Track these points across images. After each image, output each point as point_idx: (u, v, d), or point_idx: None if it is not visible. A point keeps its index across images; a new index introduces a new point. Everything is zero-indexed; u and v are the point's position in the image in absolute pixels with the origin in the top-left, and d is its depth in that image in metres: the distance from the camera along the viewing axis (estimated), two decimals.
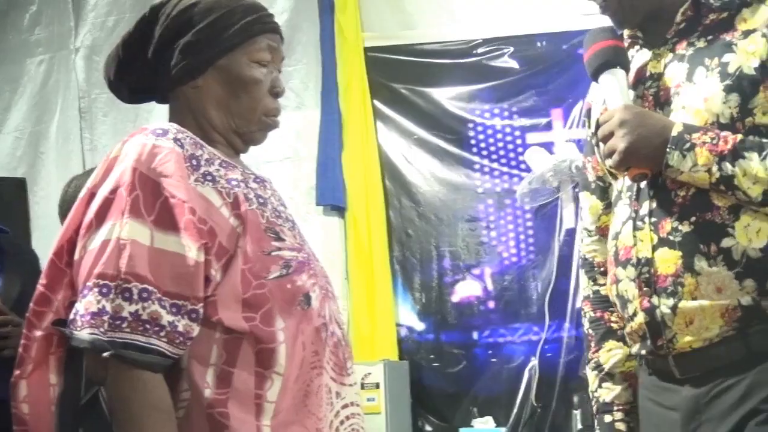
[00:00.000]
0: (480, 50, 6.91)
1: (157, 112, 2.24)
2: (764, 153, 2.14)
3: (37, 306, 2.04)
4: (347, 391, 2.12)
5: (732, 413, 2.19)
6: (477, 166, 6.91)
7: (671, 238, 2.24)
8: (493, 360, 6.89)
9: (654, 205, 2.29)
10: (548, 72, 6.79)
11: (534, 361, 6.77)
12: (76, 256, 1.99)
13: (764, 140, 2.18)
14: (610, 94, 2.34)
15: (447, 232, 6.87)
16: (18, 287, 3.58)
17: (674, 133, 2.21)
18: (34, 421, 2.02)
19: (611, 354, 2.55)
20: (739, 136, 2.17)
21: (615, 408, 2.54)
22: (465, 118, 6.94)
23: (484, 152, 6.90)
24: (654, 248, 2.26)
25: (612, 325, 2.54)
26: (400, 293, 7.03)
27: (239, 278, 1.97)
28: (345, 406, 2.10)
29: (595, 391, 2.58)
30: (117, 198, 1.96)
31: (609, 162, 2.31)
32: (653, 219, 2.28)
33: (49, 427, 2.01)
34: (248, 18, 2.17)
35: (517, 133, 6.86)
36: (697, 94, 2.26)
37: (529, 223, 6.70)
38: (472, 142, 6.91)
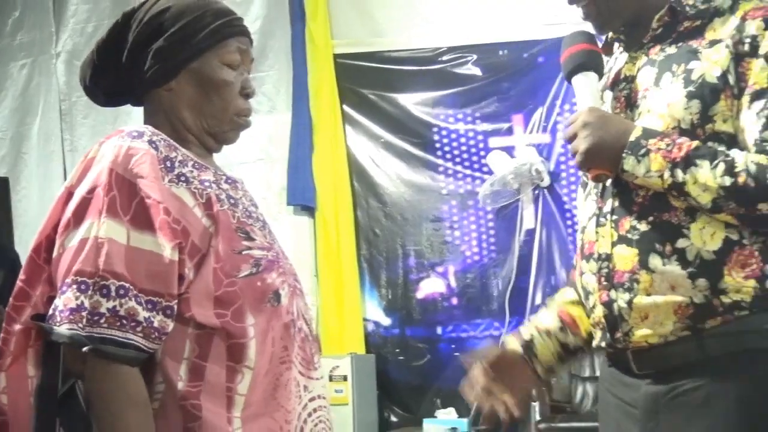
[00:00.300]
0: (445, 58, 6.93)
1: (136, 114, 2.23)
2: (716, 162, 2.14)
3: (16, 301, 2.03)
4: (314, 385, 2.11)
5: (693, 420, 2.19)
6: (441, 169, 6.93)
7: (629, 236, 2.24)
8: (456, 354, 6.89)
9: (616, 203, 2.29)
10: (510, 79, 6.81)
11: None
12: (55, 254, 1.99)
13: (720, 148, 2.17)
14: (581, 96, 2.34)
15: (412, 232, 6.89)
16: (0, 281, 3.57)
17: (632, 138, 2.21)
18: (13, 412, 2.02)
19: (564, 291, 2.58)
20: (695, 143, 2.17)
21: (532, 323, 2.57)
22: (430, 122, 6.95)
23: (448, 155, 6.92)
24: (613, 245, 2.26)
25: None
26: (367, 290, 7.04)
27: (211, 276, 1.97)
28: (312, 399, 2.10)
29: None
30: (95, 198, 1.96)
31: (573, 162, 2.33)
32: (614, 217, 2.28)
33: (27, 418, 2.00)
34: (218, 22, 2.16)
35: (480, 137, 6.88)
36: (661, 98, 2.25)
37: (491, 224, 6.72)
38: (437, 145, 6.93)
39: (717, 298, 2.15)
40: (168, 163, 2.02)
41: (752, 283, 2.15)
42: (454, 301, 6.96)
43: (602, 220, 2.30)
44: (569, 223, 6.44)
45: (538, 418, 6.28)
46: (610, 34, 2.48)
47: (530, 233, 6.55)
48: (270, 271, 2.04)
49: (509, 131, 6.83)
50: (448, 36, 6.94)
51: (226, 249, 2.00)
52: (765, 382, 2.16)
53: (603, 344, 2.34)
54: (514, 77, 6.80)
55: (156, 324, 1.91)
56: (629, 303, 2.22)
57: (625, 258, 2.23)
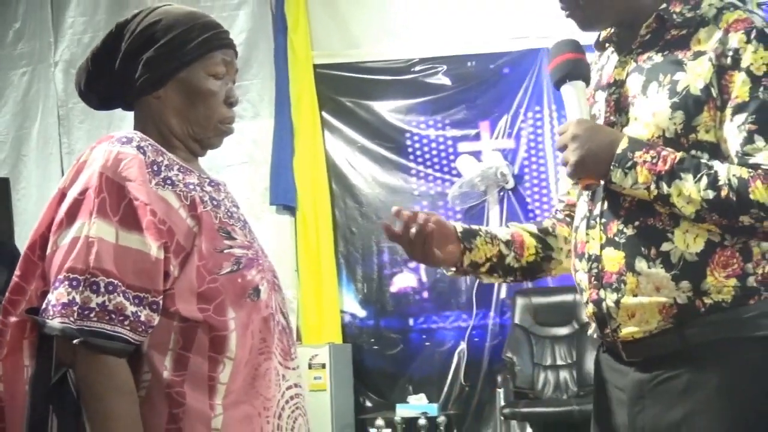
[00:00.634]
0: (417, 68, 6.96)
1: (129, 120, 2.22)
2: (699, 175, 2.11)
3: (12, 295, 2.02)
4: (291, 374, 2.11)
5: (674, 407, 2.18)
6: (413, 172, 6.96)
7: (617, 239, 2.22)
8: (427, 344, 6.93)
9: (605, 206, 2.27)
10: (477, 88, 6.84)
11: (463, 345, 6.82)
12: (48, 251, 1.98)
13: (703, 159, 2.14)
14: (569, 106, 2.30)
15: None
16: (5, 276, 3.55)
17: (618, 150, 2.17)
18: (10, 398, 2.01)
19: (530, 223, 2.57)
20: (679, 156, 2.14)
21: (486, 227, 2.53)
22: (403, 128, 6.98)
23: (420, 159, 6.95)
24: (602, 247, 2.25)
25: (554, 219, 2.56)
26: (345, 284, 7.06)
27: (195, 274, 1.97)
28: (289, 387, 2.10)
29: None
30: (86, 199, 1.95)
31: (563, 171, 2.31)
32: (603, 220, 2.26)
33: (23, 404, 2.00)
34: (205, 35, 2.15)
35: (449, 142, 6.91)
36: (648, 107, 2.22)
37: None
38: (409, 150, 6.96)
39: (699, 299, 2.14)
40: (155, 167, 2.02)
41: (733, 282, 2.14)
42: (425, 294, 6.99)
43: (592, 222, 2.29)
44: None
45: (502, 403, 6.30)
46: (603, 33, 2.44)
47: None
48: (250, 268, 2.04)
49: (477, 137, 6.86)
50: (420, 48, 6.97)
51: (209, 248, 2.00)
52: (744, 370, 2.14)
53: (595, 335, 2.35)
54: (481, 87, 6.83)
55: (143, 318, 1.91)
56: (617, 303, 2.22)
57: (613, 260, 2.22)
